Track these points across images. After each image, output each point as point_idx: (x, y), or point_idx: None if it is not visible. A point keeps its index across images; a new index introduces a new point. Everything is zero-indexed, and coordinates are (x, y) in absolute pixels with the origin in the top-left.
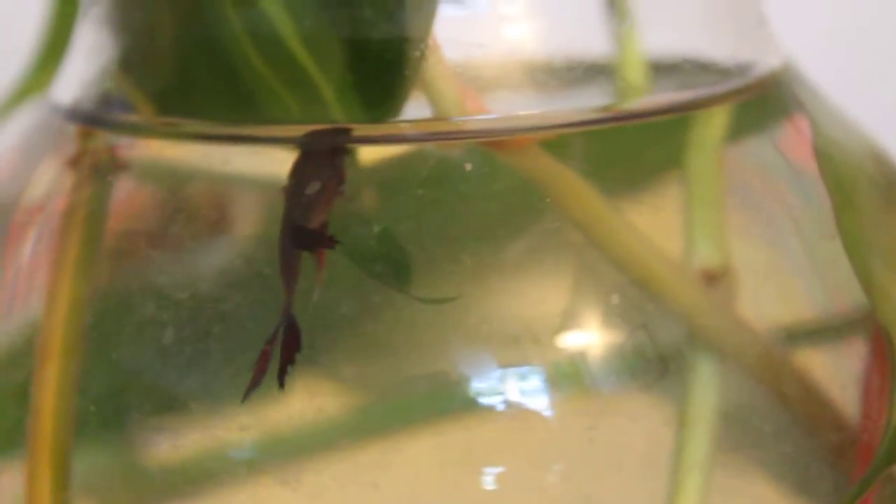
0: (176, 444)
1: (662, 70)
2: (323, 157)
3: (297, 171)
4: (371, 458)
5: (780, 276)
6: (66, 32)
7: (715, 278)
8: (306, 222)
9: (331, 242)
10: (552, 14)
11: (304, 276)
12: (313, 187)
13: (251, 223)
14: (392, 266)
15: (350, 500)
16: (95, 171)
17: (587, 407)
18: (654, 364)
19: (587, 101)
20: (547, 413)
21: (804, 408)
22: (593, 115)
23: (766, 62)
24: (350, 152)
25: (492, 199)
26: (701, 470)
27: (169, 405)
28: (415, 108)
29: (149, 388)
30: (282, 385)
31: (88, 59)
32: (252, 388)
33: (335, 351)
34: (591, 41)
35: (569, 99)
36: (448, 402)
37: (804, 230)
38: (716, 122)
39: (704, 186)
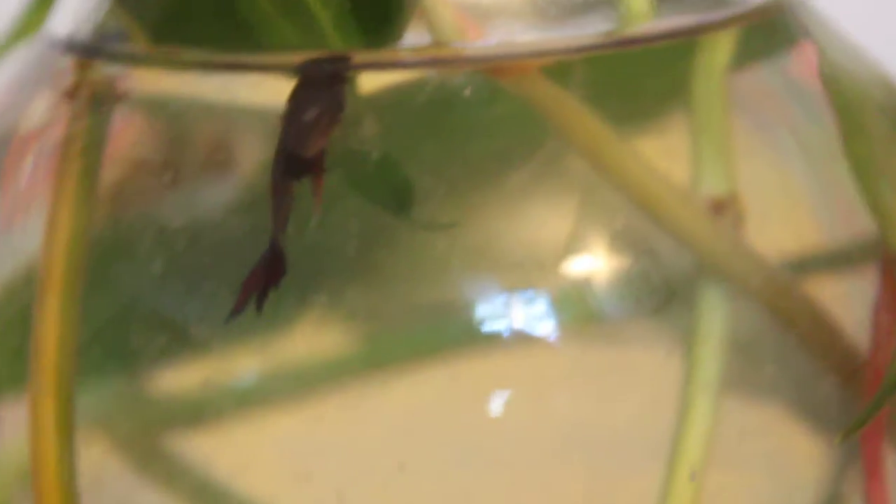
0: (179, 374)
1: None
2: (322, 85)
3: (295, 97)
4: (375, 386)
5: (788, 202)
6: None
7: (722, 206)
8: (303, 149)
9: (321, 170)
10: None
11: (303, 204)
12: (311, 113)
13: (250, 151)
14: (393, 192)
15: (354, 426)
16: (93, 101)
17: (592, 332)
18: (660, 290)
19: (589, 29)
20: (552, 339)
21: (812, 334)
22: (595, 41)
23: None
24: (349, 80)
25: (493, 125)
26: (708, 395)
27: (172, 335)
28: (414, 36)
29: (151, 317)
30: (259, 309)
31: None
32: (235, 312)
33: (337, 280)
34: None
35: (570, 27)
36: (452, 328)
37: (812, 155)
38: (721, 47)
39: (710, 113)
